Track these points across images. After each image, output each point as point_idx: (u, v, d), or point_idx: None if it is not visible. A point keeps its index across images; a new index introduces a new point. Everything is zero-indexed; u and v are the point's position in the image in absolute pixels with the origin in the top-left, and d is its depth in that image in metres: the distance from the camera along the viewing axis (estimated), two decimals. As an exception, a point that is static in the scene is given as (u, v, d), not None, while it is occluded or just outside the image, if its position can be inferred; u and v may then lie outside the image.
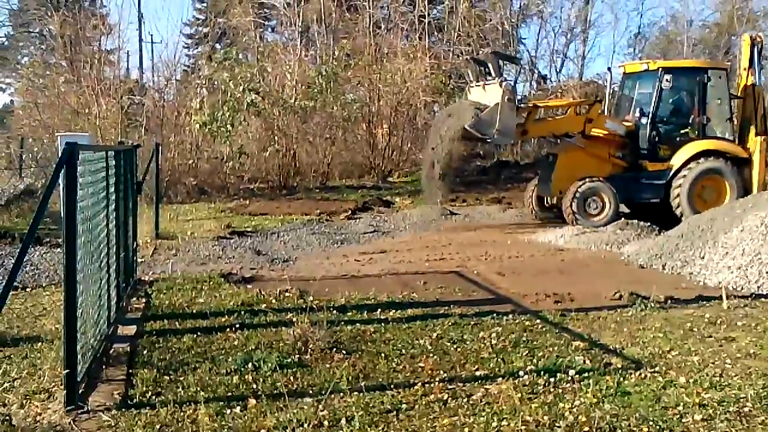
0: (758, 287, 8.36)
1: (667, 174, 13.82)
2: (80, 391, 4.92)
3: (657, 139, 14.03)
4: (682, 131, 14.12)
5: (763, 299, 7.93)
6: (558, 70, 29.63)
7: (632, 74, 15.10)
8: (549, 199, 14.50)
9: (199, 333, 6.56)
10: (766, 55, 14.92)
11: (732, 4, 30.01)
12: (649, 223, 12.95)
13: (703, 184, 13.62)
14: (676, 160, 13.83)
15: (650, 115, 13.96)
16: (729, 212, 10.33)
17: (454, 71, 27.11)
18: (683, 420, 4.62)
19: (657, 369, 5.59)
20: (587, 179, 13.58)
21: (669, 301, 7.75)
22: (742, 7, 30.05)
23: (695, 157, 13.74)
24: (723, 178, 13.66)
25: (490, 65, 13.83)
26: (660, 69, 14.06)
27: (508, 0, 28.54)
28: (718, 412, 4.72)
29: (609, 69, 16.78)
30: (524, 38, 31.30)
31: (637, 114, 14.18)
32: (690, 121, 14.10)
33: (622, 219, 13.23)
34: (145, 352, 6.02)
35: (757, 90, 14.32)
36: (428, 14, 27.51)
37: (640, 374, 5.47)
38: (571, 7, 29.96)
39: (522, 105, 14.07)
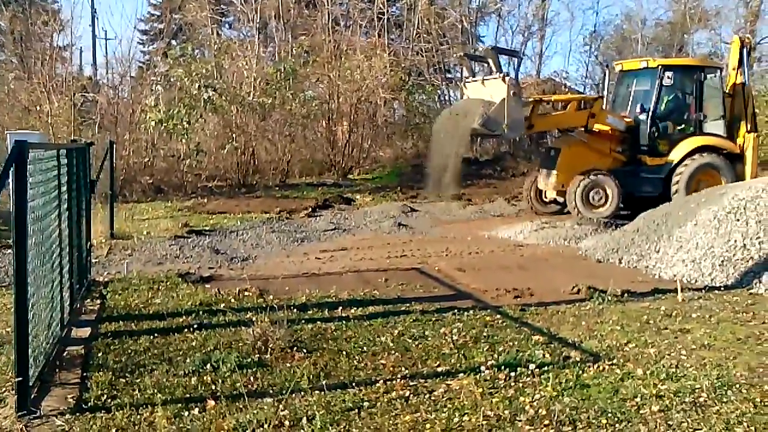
0: (711, 280, 8.54)
1: (665, 169, 14.18)
2: (32, 396, 4.78)
3: (656, 134, 14.36)
4: (680, 127, 14.49)
5: (716, 291, 8.11)
6: (516, 68, 29.89)
7: (630, 71, 15.40)
8: (548, 192, 14.66)
9: (156, 334, 6.43)
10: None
11: (684, 2, 30.62)
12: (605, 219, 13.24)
13: (699, 178, 13.92)
14: (675, 155, 14.19)
15: (650, 111, 14.27)
16: (683, 207, 10.55)
17: (414, 68, 27.18)
18: (641, 411, 4.69)
19: (615, 361, 5.67)
20: (591, 171, 13.81)
21: (626, 295, 7.86)
22: (694, 6, 30.68)
23: (692, 153, 14.13)
24: (718, 173, 14.05)
25: (490, 61, 13.79)
26: (660, 67, 14.39)
27: (467, -2, 28.67)
28: (675, 403, 4.80)
29: (606, 66, 17.04)
30: (483, 36, 31.51)
31: (637, 110, 14.48)
32: (687, 117, 14.49)
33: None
34: (100, 354, 5.89)
35: (747, 89, 14.84)
36: (387, 11, 27.49)
37: (599, 367, 5.54)
38: (528, 6, 30.22)
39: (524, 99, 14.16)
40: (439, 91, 28.20)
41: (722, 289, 8.22)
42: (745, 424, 4.48)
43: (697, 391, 5.01)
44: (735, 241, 8.98)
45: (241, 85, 22.44)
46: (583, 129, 14.21)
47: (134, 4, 64.59)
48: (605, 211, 13.61)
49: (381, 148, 26.22)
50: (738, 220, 9.29)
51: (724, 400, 4.87)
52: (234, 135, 21.19)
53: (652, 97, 14.31)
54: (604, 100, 15.24)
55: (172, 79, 21.46)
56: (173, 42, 28.90)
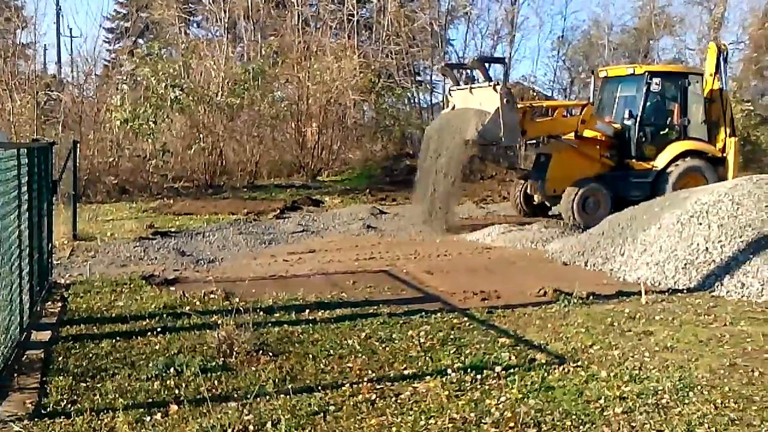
0: (675, 282, 8.68)
1: (653, 173, 14.39)
2: (-11, 402, 4.67)
3: (643, 139, 14.60)
4: (666, 132, 14.75)
5: (679, 294, 8.25)
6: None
7: (614, 78, 15.63)
8: (537, 197, 14.77)
9: (118, 338, 6.33)
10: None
11: (650, 9, 31.14)
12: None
13: (685, 182, 14.11)
14: (661, 160, 14.43)
15: (638, 117, 14.48)
16: (647, 210, 10.69)
17: (383, 70, 27.18)
18: (604, 413, 4.73)
19: (579, 363, 5.72)
20: (585, 181, 13.97)
21: (591, 297, 7.95)
22: (660, 13, 31.22)
23: (678, 157, 14.41)
24: (702, 177, 14.29)
25: (478, 71, 13.73)
26: (647, 73, 14.63)
27: (437, 0, 28.73)
28: (638, 405, 4.85)
29: (592, 72, 17.20)
30: (453, 39, 31.64)
31: (625, 115, 14.65)
32: (672, 122, 14.77)
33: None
34: (60, 358, 5.77)
35: (724, 94, 15.19)
36: (357, 13, 27.44)
37: (564, 369, 5.58)
38: (498, 10, 30.43)
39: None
40: (408, 94, 28.24)
41: (685, 291, 8.36)
42: (706, 425, 4.54)
43: (659, 392, 5.07)
44: (698, 244, 9.13)
45: (209, 84, 22.22)
46: (573, 135, 14.36)
47: (100, 2, 63.37)
48: (598, 218, 13.75)
49: (350, 150, 26.17)
50: (701, 224, 9.45)
51: (686, 401, 4.93)
52: (201, 135, 20.96)
53: (639, 103, 14.55)
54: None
55: (138, 78, 21.17)
56: (140, 40, 28.54)
